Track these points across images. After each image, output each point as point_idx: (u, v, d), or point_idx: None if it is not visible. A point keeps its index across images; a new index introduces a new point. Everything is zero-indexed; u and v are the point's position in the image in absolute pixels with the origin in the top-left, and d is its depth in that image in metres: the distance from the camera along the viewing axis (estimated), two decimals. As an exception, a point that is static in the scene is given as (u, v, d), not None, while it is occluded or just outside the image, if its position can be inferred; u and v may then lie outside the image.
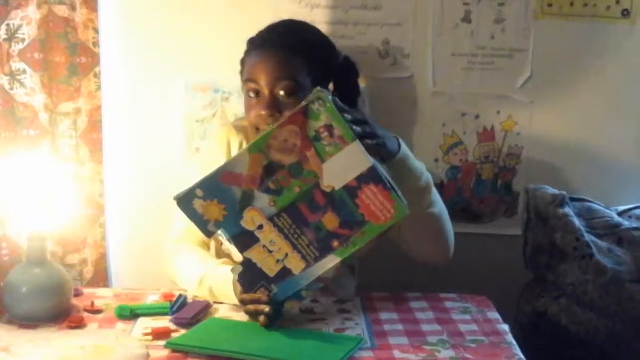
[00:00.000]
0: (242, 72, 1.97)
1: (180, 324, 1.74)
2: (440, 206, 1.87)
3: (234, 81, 2.33)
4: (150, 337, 1.67)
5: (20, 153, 2.22)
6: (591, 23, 2.36)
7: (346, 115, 1.61)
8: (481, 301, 1.94)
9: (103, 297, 1.93)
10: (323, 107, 1.58)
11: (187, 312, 1.78)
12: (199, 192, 1.62)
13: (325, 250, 1.65)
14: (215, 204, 1.63)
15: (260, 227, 1.64)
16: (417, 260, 1.95)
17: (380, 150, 1.70)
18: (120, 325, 1.75)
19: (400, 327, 1.78)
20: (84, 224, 2.32)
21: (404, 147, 1.78)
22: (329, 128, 1.59)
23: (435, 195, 1.86)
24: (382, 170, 1.64)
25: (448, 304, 1.92)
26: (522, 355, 1.65)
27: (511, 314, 2.15)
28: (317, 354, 1.60)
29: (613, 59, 2.38)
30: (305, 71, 1.86)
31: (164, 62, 2.35)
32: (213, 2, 2.33)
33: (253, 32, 2.29)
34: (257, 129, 1.89)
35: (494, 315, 1.86)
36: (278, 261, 1.67)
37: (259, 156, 1.61)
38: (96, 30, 2.28)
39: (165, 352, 1.61)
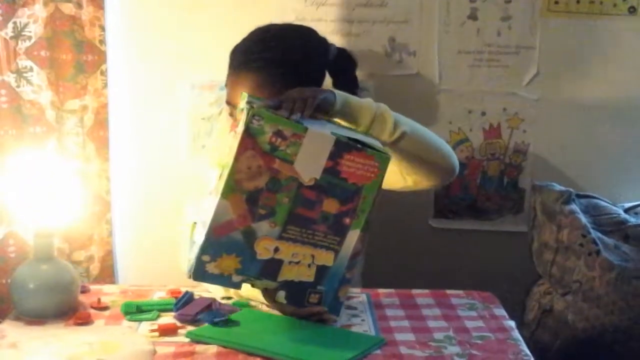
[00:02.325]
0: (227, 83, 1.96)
1: (184, 320, 1.74)
2: (410, 123, 1.82)
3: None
4: (156, 333, 1.67)
5: (27, 150, 2.22)
6: (597, 20, 2.36)
7: (282, 112, 1.61)
8: (487, 297, 1.94)
9: (109, 293, 1.93)
10: (262, 120, 1.59)
11: (190, 308, 1.78)
12: (206, 258, 1.62)
13: (342, 231, 1.66)
14: (226, 258, 1.62)
15: (276, 249, 1.65)
16: (434, 184, 1.89)
17: (320, 106, 1.69)
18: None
19: (406, 323, 1.78)
20: (90, 221, 2.33)
21: (338, 92, 1.75)
22: (278, 134, 1.59)
23: (398, 116, 1.81)
24: (343, 132, 1.65)
25: (454, 301, 1.92)
26: (528, 352, 1.65)
27: (517, 310, 2.15)
28: (330, 351, 1.60)
29: (619, 56, 2.38)
30: (282, 84, 1.84)
31: (170, 60, 2.35)
32: (219, 0, 2.33)
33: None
34: None
35: (500, 311, 1.86)
36: (309, 265, 1.67)
37: (235, 195, 1.60)
38: (102, 28, 2.28)
39: (172, 348, 1.61)
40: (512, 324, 1.79)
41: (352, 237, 1.67)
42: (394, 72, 2.36)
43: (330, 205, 1.64)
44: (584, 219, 2.16)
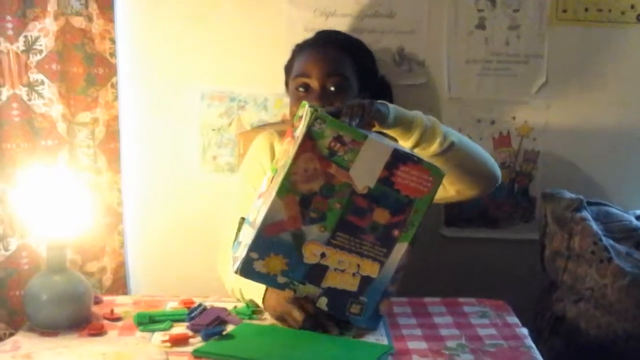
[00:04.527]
0: (287, 77, 2.00)
1: (197, 330, 1.74)
2: (456, 134, 1.85)
3: (249, 90, 2.36)
4: (168, 344, 1.68)
5: (39, 163, 2.24)
6: (606, 28, 2.36)
7: (344, 119, 1.64)
8: (499, 305, 1.94)
9: (122, 304, 1.94)
10: (324, 124, 1.61)
11: (203, 318, 1.78)
12: (254, 255, 1.64)
13: (389, 243, 1.67)
14: (273, 258, 1.64)
15: (323, 255, 1.66)
16: (477, 194, 1.92)
17: (375, 116, 1.71)
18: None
19: (418, 331, 1.78)
20: (102, 232, 2.34)
21: (390, 105, 1.78)
22: (337, 139, 1.61)
23: (446, 127, 1.84)
24: (403, 148, 1.67)
25: (466, 309, 1.92)
26: (541, 359, 1.65)
27: (529, 318, 2.14)
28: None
29: (628, 64, 2.38)
30: (353, 70, 1.92)
31: (180, 72, 2.36)
32: (228, 11, 2.34)
33: (268, 41, 2.33)
34: None
35: (513, 319, 1.86)
36: (354, 275, 1.68)
37: (290, 196, 1.62)
38: (113, 41, 2.30)
39: (185, 358, 1.62)
40: (524, 331, 1.79)
41: (399, 250, 1.68)
42: (403, 81, 2.36)
43: (381, 216, 1.65)
44: (595, 226, 2.16)
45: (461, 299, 1.97)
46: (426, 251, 2.37)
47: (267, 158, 2.06)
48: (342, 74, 1.92)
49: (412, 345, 1.70)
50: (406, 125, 1.78)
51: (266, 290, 1.80)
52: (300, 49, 2.04)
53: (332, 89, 1.90)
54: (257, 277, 1.67)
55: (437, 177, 1.67)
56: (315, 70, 1.92)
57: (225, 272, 1.95)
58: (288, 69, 2.08)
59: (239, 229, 1.74)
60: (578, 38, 2.37)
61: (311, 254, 1.65)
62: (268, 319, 1.82)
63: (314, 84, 1.92)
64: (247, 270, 1.65)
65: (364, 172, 1.63)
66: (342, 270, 1.67)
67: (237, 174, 2.27)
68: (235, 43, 2.35)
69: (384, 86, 2.14)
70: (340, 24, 2.31)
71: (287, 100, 2.13)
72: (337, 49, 1.97)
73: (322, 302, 1.69)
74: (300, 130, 1.63)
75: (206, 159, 2.40)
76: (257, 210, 1.67)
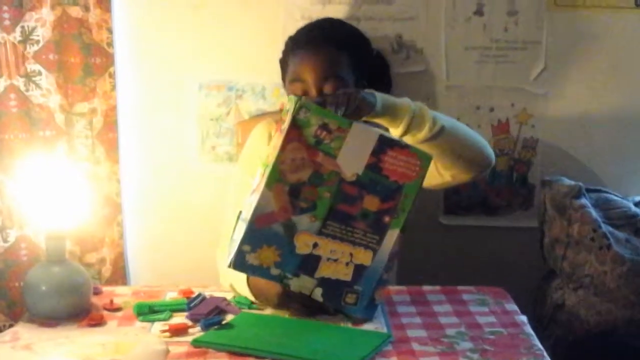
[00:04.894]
0: (283, 73, 1.98)
1: (196, 320, 1.74)
2: (445, 118, 1.85)
3: (247, 79, 2.35)
4: (168, 334, 1.68)
5: (37, 154, 2.23)
6: (604, 13, 2.35)
7: (329, 107, 1.65)
8: (498, 293, 1.94)
9: (122, 294, 1.94)
10: (309, 112, 1.61)
11: (203, 308, 1.78)
12: (246, 248, 1.64)
13: (381, 230, 1.67)
14: (266, 250, 1.64)
15: (315, 245, 1.66)
16: (472, 177, 1.91)
17: (361, 105, 1.71)
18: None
19: (418, 319, 1.78)
20: (101, 223, 2.34)
21: (377, 93, 1.77)
22: (323, 127, 1.62)
23: (435, 112, 1.83)
24: (389, 134, 1.68)
25: (465, 296, 1.92)
26: (540, 346, 1.65)
27: (529, 306, 2.15)
28: (342, 350, 1.60)
29: (627, 49, 2.37)
30: (349, 68, 1.89)
31: (177, 61, 2.36)
32: (225, 0, 2.33)
33: (265, 30, 2.32)
34: None
35: (512, 306, 1.86)
36: (347, 264, 1.68)
37: (278, 186, 1.62)
38: (110, 31, 2.29)
39: (185, 348, 1.62)
40: (524, 319, 1.79)
41: (392, 237, 1.68)
42: (401, 69, 2.35)
43: (371, 203, 1.65)
44: (594, 213, 2.16)
45: (460, 287, 1.97)
46: (425, 239, 2.38)
47: (266, 147, 2.05)
48: (339, 76, 1.90)
49: (411, 333, 1.70)
50: (393, 113, 1.77)
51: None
52: (294, 46, 1.99)
53: (329, 92, 1.88)
54: (251, 270, 1.67)
55: (424, 160, 1.66)
56: (311, 76, 1.89)
57: (220, 269, 1.95)
58: (283, 64, 2.05)
59: (235, 225, 1.73)
60: (577, 24, 2.36)
61: (303, 244, 1.65)
62: (267, 309, 1.82)
63: (311, 90, 1.90)
64: (240, 263, 1.64)
65: (352, 160, 1.63)
66: (335, 260, 1.67)
67: (235, 163, 2.27)
68: (233, 32, 2.34)
69: (381, 63, 2.10)
70: (338, 12, 2.30)
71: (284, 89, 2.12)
72: (331, 49, 1.93)
73: (317, 293, 1.69)
74: (286, 122, 1.63)
75: (205, 148, 2.40)
76: (250, 205, 1.67)
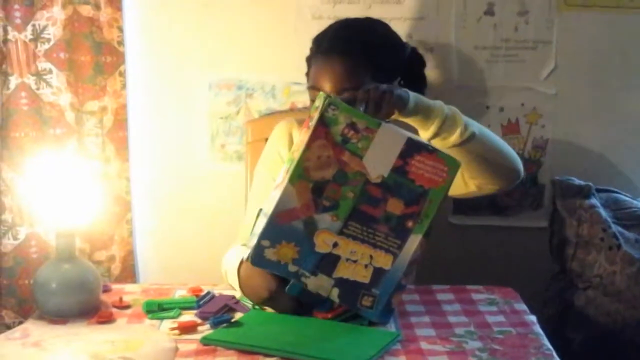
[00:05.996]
0: (308, 73, 1.97)
1: (205, 318, 1.74)
2: (477, 125, 1.82)
3: (257, 77, 2.36)
4: (177, 332, 1.68)
5: (47, 152, 2.24)
6: (615, 13, 2.35)
7: (359, 107, 1.63)
8: (507, 292, 1.93)
9: (131, 292, 1.94)
10: (337, 110, 1.60)
11: (212, 306, 1.79)
12: (265, 243, 1.62)
13: (403, 234, 1.65)
14: (285, 246, 1.63)
15: (335, 244, 1.64)
16: (498, 188, 1.89)
17: (394, 104, 1.69)
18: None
19: (427, 319, 1.77)
20: (111, 221, 2.35)
21: (411, 92, 1.75)
22: (351, 125, 1.60)
23: (467, 118, 1.80)
24: (417, 137, 1.66)
25: (474, 296, 1.91)
26: (550, 346, 1.64)
27: (538, 306, 2.14)
28: (351, 349, 1.59)
29: (637, 50, 2.37)
30: (369, 76, 1.84)
31: (187, 60, 2.37)
32: (235, -1, 2.34)
33: (276, 29, 2.32)
34: None
35: (521, 306, 1.86)
36: (366, 266, 1.66)
37: (302, 183, 1.61)
38: (120, 29, 2.30)
39: (194, 346, 1.62)
40: (533, 318, 1.79)
41: (413, 242, 1.66)
42: (411, 68, 2.35)
43: (395, 206, 1.64)
44: (604, 213, 2.15)
45: (469, 287, 1.97)
46: (434, 239, 2.36)
47: (286, 146, 2.03)
48: (357, 87, 1.81)
49: (420, 332, 1.69)
50: (426, 114, 1.74)
51: (241, 263, 1.79)
52: (316, 50, 1.95)
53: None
54: (268, 265, 1.66)
55: (452, 167, 1.64)
56: (329, 84, 1.85)
57: (225, 258, 1.95)
58: (308, 63, 2.01)
59: (256, 221, 1.73)
60: (587, 24, 2.35)
61: (323, 242, 1.64)
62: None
63: None
64: (258, 258, 1.64)
65: (378, 161, 1.61)
66: (355, 261, 1.66)
67: (242, 162, 2.27)
68: (243, 31, 2.35)
69: (417, 61, 2.05)
70: (348, 11, 2.30)
71: (294, 88, 2.12)
72: (350, 59, 1.86)
73: (334, 293, 1.67)
74: (314, 118, 1.62)
75: (214, 147, 2.40)
76: (272, 200, 1.66)
